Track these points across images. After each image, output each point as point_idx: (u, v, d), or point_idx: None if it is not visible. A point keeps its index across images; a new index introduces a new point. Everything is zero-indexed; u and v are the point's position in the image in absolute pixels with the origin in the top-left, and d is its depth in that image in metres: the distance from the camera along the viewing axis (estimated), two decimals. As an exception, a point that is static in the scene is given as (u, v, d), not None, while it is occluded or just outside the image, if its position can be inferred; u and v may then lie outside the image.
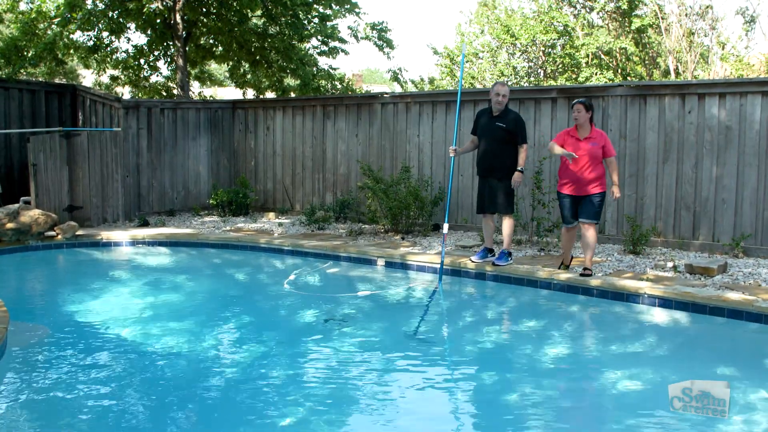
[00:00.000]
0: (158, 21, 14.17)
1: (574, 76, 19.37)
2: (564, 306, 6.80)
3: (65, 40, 13.50)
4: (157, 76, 16.12)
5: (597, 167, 7.01)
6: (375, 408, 4.40)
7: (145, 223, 10.67)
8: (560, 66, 20.00)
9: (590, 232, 7.14)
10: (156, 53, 15.36)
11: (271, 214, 11.75)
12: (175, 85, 15.26)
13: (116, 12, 13.74)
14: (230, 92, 22.76)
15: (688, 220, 8.55)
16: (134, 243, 9.54)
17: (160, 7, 13.83)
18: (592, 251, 7.13)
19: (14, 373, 4.81)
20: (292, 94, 15.93)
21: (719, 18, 17.75)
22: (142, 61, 15.47)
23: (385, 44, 15.42)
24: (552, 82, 19.48)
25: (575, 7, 20.61)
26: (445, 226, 7.78)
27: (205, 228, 10.48)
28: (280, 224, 10.82)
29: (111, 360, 5.19)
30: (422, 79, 22.48)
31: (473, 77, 20.85)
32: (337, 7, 15.03)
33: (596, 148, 6.96)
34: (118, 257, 9.16)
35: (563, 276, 7.07)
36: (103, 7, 13.56)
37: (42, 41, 12.95)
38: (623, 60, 19.57)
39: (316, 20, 14.94)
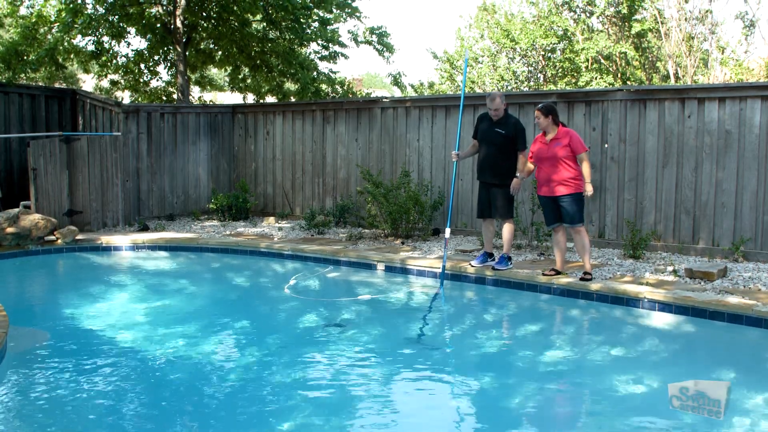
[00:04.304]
0: (158, 25, 14.19)
1: (573, 80, 19.38)
2: (564, 310, 6.80)
3: (66, 45, 13.51)
4: (157, 80, 16.15)
5: (564, 168, 7.00)
6: (376, 413, 4.39)
7: (144, 228, 10.66)
8: (560, 70, 20.02)
9: (577, 236, 7.15)
10: (156, 58, 15.39)
11: (271, 219, 11.75)
12: (175, 90, 15.28)
13: (116, 16, 13.76)
14: (230, 97, 22.77)
15: (688, 224, 8.55)
16: (134, 247, 9.54)
17: (161, 11, 13.86)
18: (586, 254, 7.11)
19: (14, 378, 4.80)
20: (292, 99, 15.95)
21: (719, 22, 17.75)
22: (142, 65, 15.49)
23: (384, 48, 15.42)
24: (552, 87, 19.49)
25: (575, 12, 20.64)
26: (447, 230, 7.79)
27: (205, 232, 10.48)
28: (280, 228, 10.82)
29: (111, 365, 5.18)
30: (422, 84, 22.50)
31: (473, 82, 20.87)
32: (338, 11, 15.05)
33: (560, 148, 6.98)
34: (118, 262, 9.16)
35: (563, 280, 7.07)
36: (104, 11, 13.58)
37: (42, 46, 12.96)
38: (623, 64, 19.58)
39: (316, 24, 14.96)
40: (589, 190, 7.00)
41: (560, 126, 7.10)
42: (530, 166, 7.42)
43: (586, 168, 7.01)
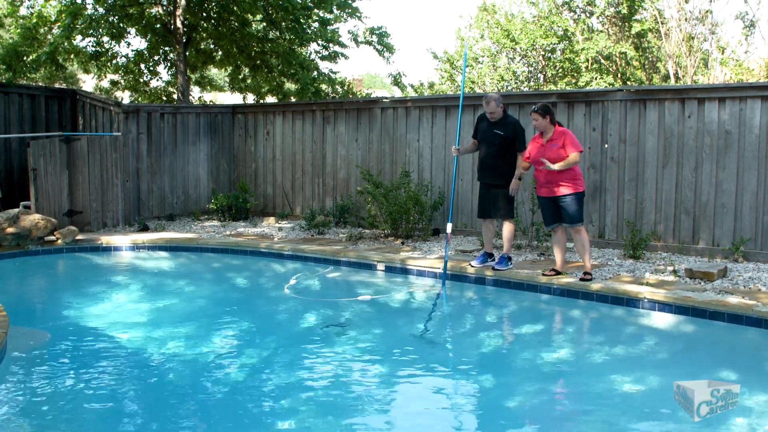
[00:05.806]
0: (158, 26, 14.19)
1: (573, 80, 19.38)
2: (564, 310, 6.80)
3: (66, 45, 13.51)
4: (157, 80, 16.15)
5: (563, 168, 7.00)
6: (377, 413, 4.40)
7: (145, 228, 10.66)
8: (560, 70, 20.02)
9: (577, 236, 7.15)
10: (156, 58, 15.39)
11: (271, 219, 11.75)
12: (175, 90, 15.28)
13: (116, 17, 13.76)
14: (230, 97, 22.76)
15: (688, 224, 8.55)
16: (134, 247, 9.54)
17: (161, 11, 13.84)
18: (586, 254, 7.11)
19: (14, 378, 4.80)
20: (292, 99, 15.95)
21: (719, 23, 17.75)
22: (142, 65, 15.49)
23: (384, 48, 15.42)
24: (552, 87, 19.50)
25: (575, 12, 20.64)
26: (449, 225, 7.80)
27: (205, 232, 10.48)
28: (280, 229, 10.82)
29: (111, 365, 5.18)
30: (422, 84, 22.50)
31: (473, 82, 20.87)
32: (338, 11, 15.05)
33: (557, 150, 6.99)
34: (118, 262, 9.16)
35: (563, 280, 7.07)
36: (104, 12, 13.58)
37: (43, 48, 12.95)
38: (623, 64, 19.58)
39: (316, 24, 14.96)
40: (551, 166, 6.86)
41: (556, 126, 7.10)
42: (525, 164, 7.40)
43: (570, 157, 6.92)
